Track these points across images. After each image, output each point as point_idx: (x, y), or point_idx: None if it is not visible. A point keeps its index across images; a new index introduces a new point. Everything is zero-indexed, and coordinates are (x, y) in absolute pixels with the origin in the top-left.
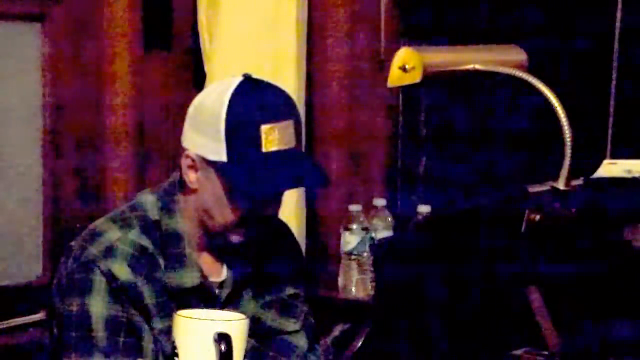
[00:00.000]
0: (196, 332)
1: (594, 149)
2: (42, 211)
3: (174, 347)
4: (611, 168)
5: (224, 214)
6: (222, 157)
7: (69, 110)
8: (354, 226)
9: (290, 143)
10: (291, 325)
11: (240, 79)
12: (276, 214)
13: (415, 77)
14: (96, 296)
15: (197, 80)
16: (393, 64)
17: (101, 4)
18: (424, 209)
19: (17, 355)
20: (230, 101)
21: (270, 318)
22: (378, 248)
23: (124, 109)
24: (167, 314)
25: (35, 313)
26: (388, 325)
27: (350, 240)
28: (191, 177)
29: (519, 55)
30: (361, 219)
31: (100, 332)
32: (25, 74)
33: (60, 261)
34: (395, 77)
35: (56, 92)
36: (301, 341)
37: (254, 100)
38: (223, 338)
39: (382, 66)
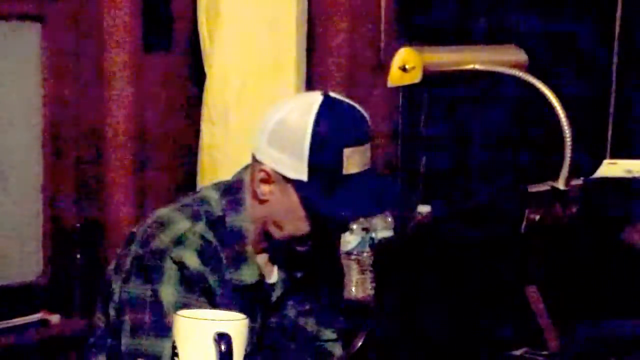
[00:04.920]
0: (196, 332)
1: (594, 149)
2: (42, 211)
3: (174, 347)
4: (611, 168)
5: (295, 226)
6: (303, 176)
7: (69, 110)
8: (354, 226)
9: (367, 165)
10: (329, 334)
11: (321, 97)
12: (346, 230)
13: (415, 77)
14: (167, 284)
15: (197, 80)
16: (393, 64)
17: (101, 4)
18: (424, 209)
19: (17, 355)
20: (314, 122)
21: (310, 326)
22: (378, 248)
23: (124, 109)
24: (230, 307)
25: (35, 313)
26: (388, 325)
27: (350, 240)
28: (264, 189)
29: (519, 55)
30: (361, 219)
31: (171, 318)
32: (25, 74)
33: (121, 247)
34: (395, 77)
35: (56, 92)
36: (337, 350)
37: (338, 122)
38: (223, 338)
39: (382, 66)
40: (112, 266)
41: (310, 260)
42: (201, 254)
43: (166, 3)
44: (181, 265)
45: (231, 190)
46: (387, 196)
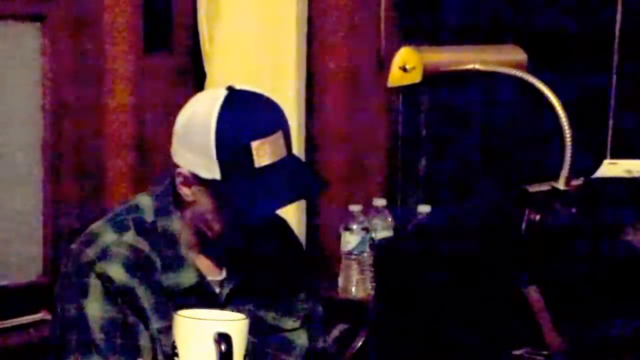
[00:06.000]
0: (196, 332)
1: (594, 149)
2: (42, 211)
3: (174, 347)
4: (611, 168)
5: (222, 225)
6: (216, 175)
7: (69, 111)
8: (354, 226)
9: (282, 153)
10: (291, 323)
11: (224, 92)
12: (274, 219)
13: (415, 77)
14: (92, 299)
15: (198, 80)
16: (393, 64)
17: (101, 4)
18: (424, 209)
19: (17, 355)
20: (218, 120)
21: (271, 317)
22: (378, 248)
23: (124, 109)
24: (165, 314)
25: (35, 313)
26: (388, 325)
27: (350, 240)
28: (185, 192)
29: (519, 55)
30: (361, 219)
31: (97, 334)
32: (25, 74)
33: (61, 264)
34: (395, 77)
35: (56, 92)
36: (301, 339)
37: (242, 116)
38: (223, 338)
39: (382, 66)
40: (57, 284)
41: (255, 254)
42: (128, 265)
43: (166, 3)
44: (106, 279)
45: (163, 194)
46: (305, 182)
